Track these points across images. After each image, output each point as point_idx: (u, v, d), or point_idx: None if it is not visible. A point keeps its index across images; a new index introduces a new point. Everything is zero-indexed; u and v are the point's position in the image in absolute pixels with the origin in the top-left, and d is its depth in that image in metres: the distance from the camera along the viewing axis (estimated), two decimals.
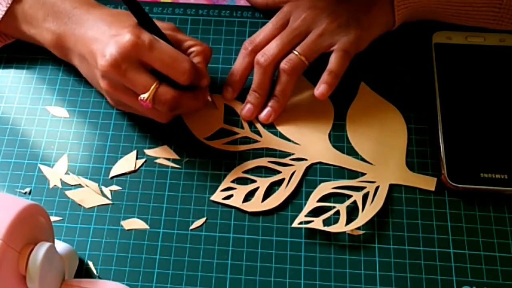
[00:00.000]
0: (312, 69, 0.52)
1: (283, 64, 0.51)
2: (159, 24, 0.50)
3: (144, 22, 0.48)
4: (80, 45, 0.49)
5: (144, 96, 0.47)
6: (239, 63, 0.54)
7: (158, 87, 0.47)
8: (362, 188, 0.50)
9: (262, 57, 0.52)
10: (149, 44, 0.46)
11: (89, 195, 0.50)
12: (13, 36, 0.56)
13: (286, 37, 0.52)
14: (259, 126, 0.54)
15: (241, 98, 0.54)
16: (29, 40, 0.54)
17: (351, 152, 0.52)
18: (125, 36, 0.46)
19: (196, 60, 0.49)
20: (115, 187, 0.51)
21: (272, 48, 0.52)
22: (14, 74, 0.57)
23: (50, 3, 0.51)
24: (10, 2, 0.52)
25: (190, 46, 0.50)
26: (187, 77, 0.47)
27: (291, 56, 0.51)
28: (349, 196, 0.50)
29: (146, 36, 0.46)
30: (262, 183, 0.50)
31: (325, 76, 0.51)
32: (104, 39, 0.47)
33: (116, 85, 0.48)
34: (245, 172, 0.51)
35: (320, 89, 0.51)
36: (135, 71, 0.46)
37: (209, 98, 0.53)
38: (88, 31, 0.49)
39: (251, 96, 0.53)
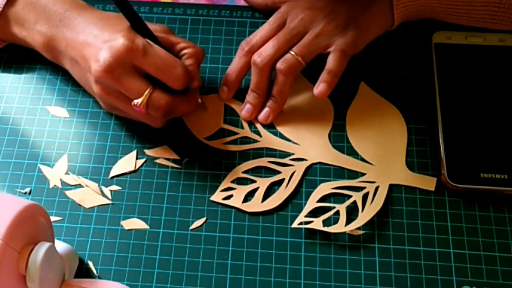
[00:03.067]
0: (311, 70, 0.52)
1: (279, 65, 0.51)
2: (151, 26, 0.49)
3: (137, 25, 0.47)
4: (71, 49, 0.49)
5: (138, 101, 0.46)
6: (235, 64, 0.54)
7: (152, 93, 0.47)
8: (362, 188, 0.50)
9: (258, 57, 0.52)
10: (143, 49, 0.46)
11: (89, 195, 0.50)
12: (4, 40, 0.55)
13: (283, 38, 0.52)
14: (259, 126, 0.54)
15: (241, 98, 0.54)
16: (20, 43, 0.54)
17: (351, 152, 0.52)
18: (119, 41, 0.46)
19: (188, 62, 0.49)
20: (115, 187, 0.51)
21: (268, 48, 0.52)
22: (14, 74, 0.57)
23: (42, 6, 0.50)
24: (3, 5, 0.51)
25: (183, 49, 0.50)
26: (181, 83, 0.47)
27: (287, 56, 0.51)
28: (349, 196, 0.50)
29: (140, 41, 0.46)
30: (262, 183, 0.50)
31: (324, 75, 0.51)
32: (97, 43, 0.47)
33: (109, 90, 0.48)
34: (245, 172, 0.51)
35: (319, 88, 0.51)
36: (129, 76, 0.46)
37: (200, 100, 0.53)
38: (79, 34, 0.48)
39: (250, 96, 0.53)
